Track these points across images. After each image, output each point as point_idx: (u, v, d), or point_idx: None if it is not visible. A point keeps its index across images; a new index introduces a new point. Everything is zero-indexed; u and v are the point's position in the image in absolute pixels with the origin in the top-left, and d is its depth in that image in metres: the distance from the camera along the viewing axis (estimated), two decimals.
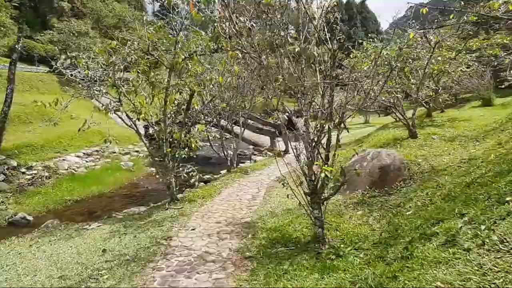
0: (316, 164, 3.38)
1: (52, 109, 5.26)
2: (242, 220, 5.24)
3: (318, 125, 3.65)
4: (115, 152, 14.41)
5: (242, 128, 10.22)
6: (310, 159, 3.97)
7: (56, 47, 22.97)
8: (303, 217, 4.97)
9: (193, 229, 4.92)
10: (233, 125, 10.22)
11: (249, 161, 12.30)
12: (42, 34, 26.30)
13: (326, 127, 3.73)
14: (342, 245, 3.82)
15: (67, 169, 11.40)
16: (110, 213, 7.90)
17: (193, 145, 6.72)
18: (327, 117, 3.50)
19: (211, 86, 7.05)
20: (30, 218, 8.13)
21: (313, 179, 3.82)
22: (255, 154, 13.14)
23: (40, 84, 21.95)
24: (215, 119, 9.69)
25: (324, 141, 3.93)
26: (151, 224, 5.32)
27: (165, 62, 5.84)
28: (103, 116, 6.20)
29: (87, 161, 12.92)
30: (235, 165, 10.00)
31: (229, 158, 9.68)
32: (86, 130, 5.66)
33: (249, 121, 10.31)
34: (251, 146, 15.42)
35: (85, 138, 14.71)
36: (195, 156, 7.98)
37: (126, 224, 5.45)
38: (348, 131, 3.94)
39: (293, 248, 3.97)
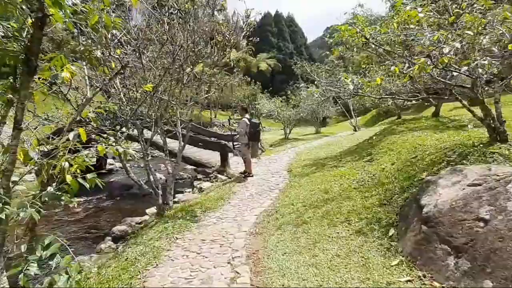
0: None
1: None
2: None
3: None
4: None
5: (181, 143, 6.21)
6: None
7: None
8: None
9: None
10: (165, 137, 6.20)
11: (190, 190, 8.24)
12: None
13: None
14: None
15: None
16: None
17: (67, 178, 2.47)
18: None
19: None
20: None
21: None
22: (198, 179, 9.08)
23: None
24: (130, 125, 5.56)
25: None
26: None
27: None
28: None
29: None
30: (171, 202, 5.91)
31: (160, 192, 5.57)
32: None
33: (184, 131, 6.46)
34: (189, 166, 11.27)
35: None
36: (102, 186, 3.82)
37: None
38: None
39: None
